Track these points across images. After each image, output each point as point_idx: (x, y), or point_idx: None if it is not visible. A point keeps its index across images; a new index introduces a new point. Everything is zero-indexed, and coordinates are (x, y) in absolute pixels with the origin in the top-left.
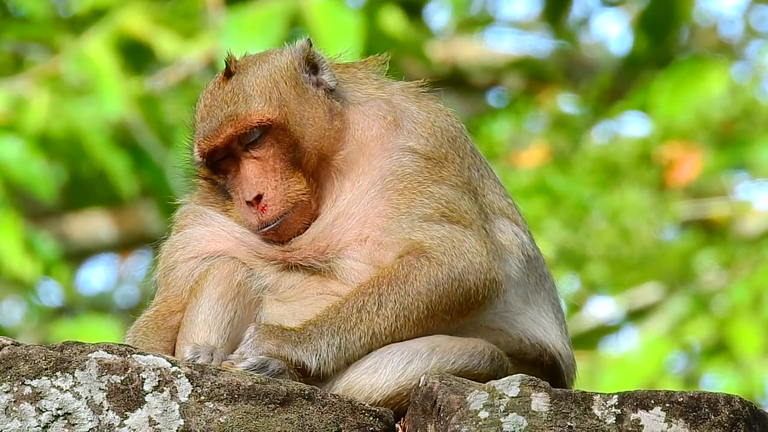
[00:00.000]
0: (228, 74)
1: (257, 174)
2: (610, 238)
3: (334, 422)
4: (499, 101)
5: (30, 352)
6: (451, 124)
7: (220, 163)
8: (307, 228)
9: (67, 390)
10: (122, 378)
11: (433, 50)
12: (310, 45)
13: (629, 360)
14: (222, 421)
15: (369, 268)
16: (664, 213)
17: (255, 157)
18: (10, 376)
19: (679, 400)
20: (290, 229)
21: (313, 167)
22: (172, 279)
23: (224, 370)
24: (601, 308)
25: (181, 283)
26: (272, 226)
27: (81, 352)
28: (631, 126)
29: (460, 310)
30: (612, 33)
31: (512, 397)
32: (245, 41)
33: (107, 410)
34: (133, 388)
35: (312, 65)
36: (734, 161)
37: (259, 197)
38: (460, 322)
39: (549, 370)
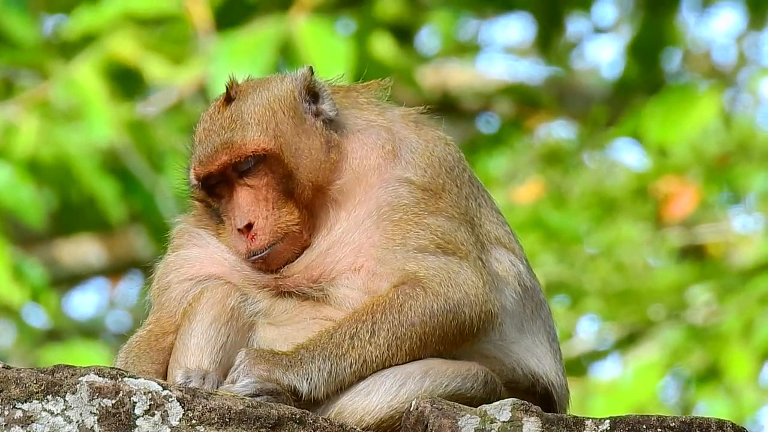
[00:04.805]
0: (228, 99)
1: (249, 202)
2: (606, 272)
3: None
4: (489, 127)
5: (21, 375)
6: (450, 153)
7: (214, 188)
8: (297, 257)
9: (58, 414)
10: (113, 401)
11: (423, 76)
12: (312, 73)
13: (620, 386)
14: None
15: (363, 297)
16: (659, 247)
17: (249, 185)
18: (1, 400)
19: (671, 425)
20: (279, 259)
21: (307, 198)
22: (165, 299)
23: (215, 394)
24: (593, 334)
25: (174, 304)
26: (260, 255)
27: (72, 375)
28: (625, 154)
29: (453, 341)
30: (604, 59)
31: (504, 422)
32: (235, 67)
33: None
34: (124, 411)
35: (312, 94)
36: (729, 194)
37: (249, 225)
38: (453, 352)
39: (542, 399)
